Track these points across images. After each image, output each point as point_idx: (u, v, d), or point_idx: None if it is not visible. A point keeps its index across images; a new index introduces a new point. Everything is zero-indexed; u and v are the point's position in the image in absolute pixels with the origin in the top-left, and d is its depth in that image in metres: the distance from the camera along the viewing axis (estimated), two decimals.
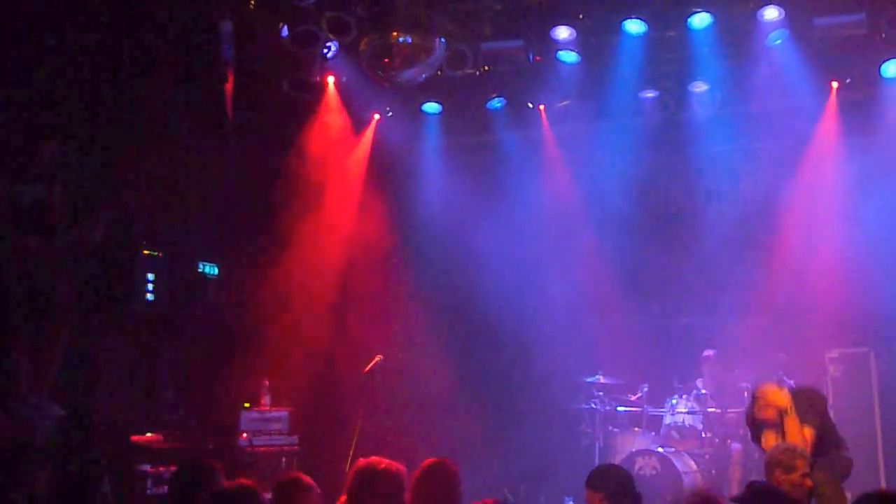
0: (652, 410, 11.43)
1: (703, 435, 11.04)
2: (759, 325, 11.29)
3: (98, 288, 9.81)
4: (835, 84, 10.78)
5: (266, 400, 10.86)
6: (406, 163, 12.36)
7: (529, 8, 10.33)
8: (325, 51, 10.34)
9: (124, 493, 8.86)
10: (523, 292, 11.77)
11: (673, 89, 11.06)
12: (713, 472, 10.88)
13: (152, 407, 10.59)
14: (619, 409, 11.57)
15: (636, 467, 10.60)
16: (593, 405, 11.46)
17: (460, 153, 12.17)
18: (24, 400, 8.03)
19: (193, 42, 10.03)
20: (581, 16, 10.32)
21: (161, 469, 9.32)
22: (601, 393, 11.49)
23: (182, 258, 10.88)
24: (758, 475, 9.67)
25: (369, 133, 12.16)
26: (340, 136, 11.96)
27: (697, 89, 10.98)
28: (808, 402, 7.66)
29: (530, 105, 11.66)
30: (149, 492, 9.07)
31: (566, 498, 10.87)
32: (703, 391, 11.21)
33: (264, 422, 10.65)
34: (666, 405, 11.35)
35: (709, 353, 11.42)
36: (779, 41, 10.05)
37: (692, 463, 10.82)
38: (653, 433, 11.32)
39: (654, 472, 10.56)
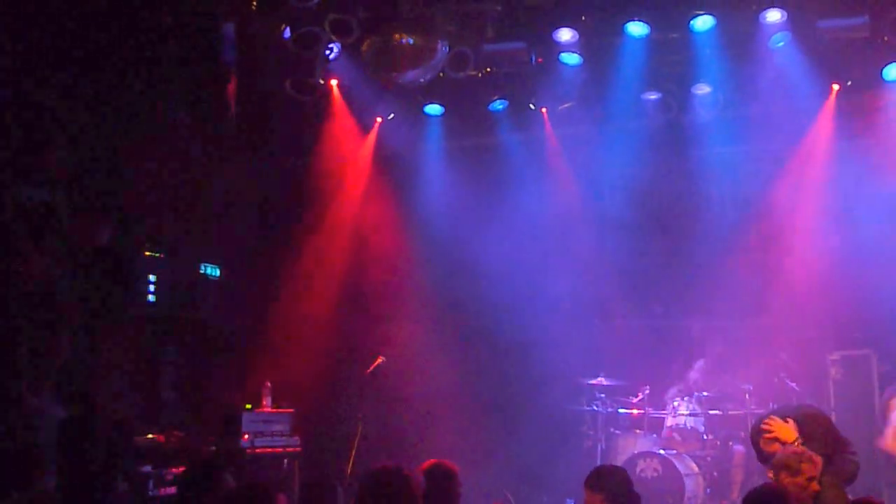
0: (653, 412, 11.43)
1: (705, 437, 11.04)
2: (760, 326, 11.28)
3: (100, 289, 9.81)
4: (835, 86, 10.78)
5: (267, 401, 10.85)
6: (408, 164, 12.36)
7: (532, 10, 10.33)
8: (328, 52, 10.34)
9: (127, 493, 8.85)
10: (525, 294, 11.76)
11: (675, 91, 11.07)
12: (715, 474, 10.88)
13: (154, 408, 10.60)
14: (621, 411, 11.57)
15: (638, 469, 10.59)
16: (595, 407, 11.46)
17: (462, 155, 12.16)
18: (27, 401, 8.03)
19: (196, 44, 10.04)
20: (583, 18, 10.32)
21: (163, 470, 9.32)
22: (603, 395, 11.49)
23: (183, 260, 10.88)
24: (760, 477, 9.70)
25: (372, 136, 12.15)
26: (343, 139, 11.96)
27: (700, 91, 10.99)
28: (813, 430, 7.63)
29: (532, 107, 11.65)
30: (151, 493, 9.06)
31: (567, 500, 10.87)
32: (705, 393, 11.21)
33: (266, 423, 10.64)
34: (667, 407, 11.34)
35: (699, 363, 11.43)
36: (781, 44, 10.05)
37: (694, 465, 10.82)
38: (654, 435, 11.31)
39: (655, 474, 10.56)
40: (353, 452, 9.21)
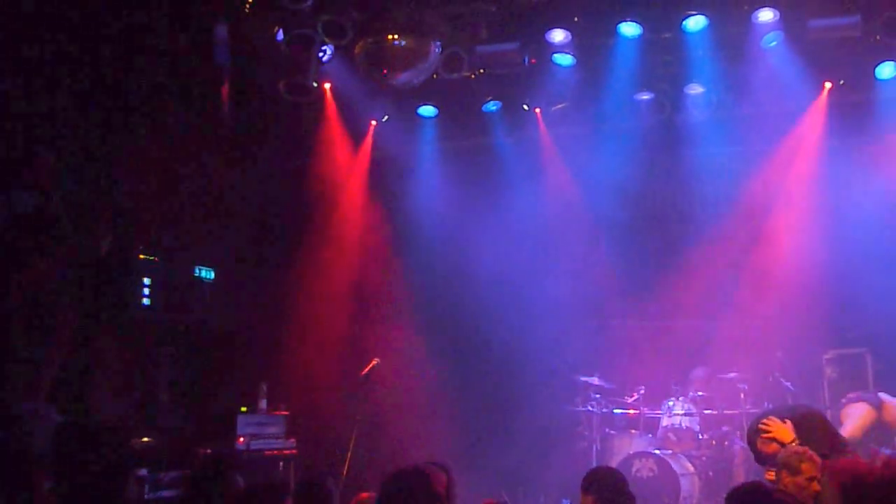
0: (649, 412, 11.44)
1: (700, 437, 11.05)
2: (755, 326, 11.29)
3: (94, 293, 9.80)
4: (828, 84, 10.80)
5: (263, 404, 10.85)
6: (402, 165, 12.36)
7: (525, 11, 10.33)
8: (321, 54, 10.35)
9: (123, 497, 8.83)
10: (520, 294, 11.77)
11: (668, 92, 11.10)
12: (710, 473, 10.88)
13: (149, 411, 10.59)
14: (616, 411, 11.58)
15: (633, 469, 10.60)
16: (590, 407, 11.46)
17: (456, 156, 12.17)
18: (23, 406, 8.01)
19: (190, 47, 10.03)
20: (576, 18, 10.34)
21: (159, 473, 9.31)
22: (598, 395, 11.49)
23: (178, 263, 10.87)
24: (757, 477, 9.71)
25: (367, 138, 12.16)
26: (337, 141, 11.97)
27: (693, 91, 11.02)
28: (810, 430, 7.63)
29: (526, 108, 11.66)
30: (147, 496, 9.05)
31: (563, 500, 10.88)
32: (700, 393, 11.22)
33: (261, 425, 10.63)
34: (663, 407, 11.35)
35: (698, 372, 11.43)
36: (774, 43, 10.07)
37: (689, 465, 10.83)
38: (650, 435, 11.32)
39: (651, 473, 10.57)
40: (349, 454, 9.20)
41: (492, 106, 11.58)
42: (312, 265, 11.83)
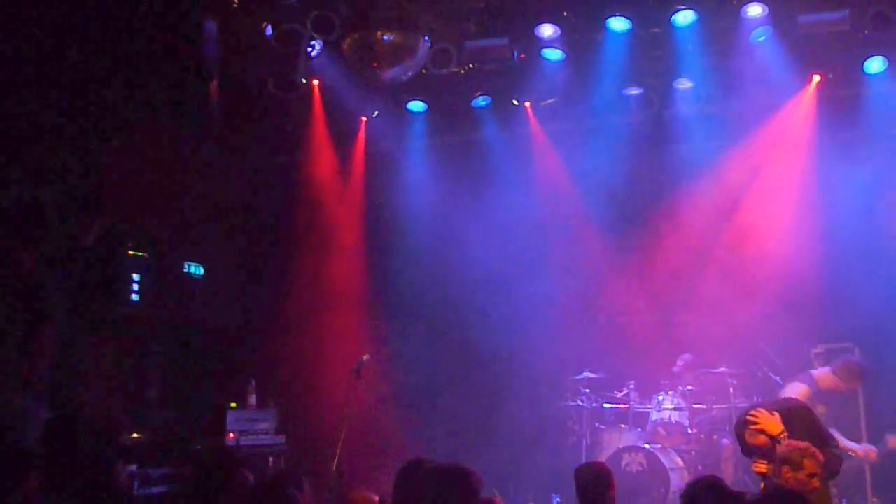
0: (638, 407, 11.46)
1: (690, 431, 11.06)
2: (744, 321, 11.31)
3: (84, 288, 9.78)
4: (816, 77, 10.81)
5: (252, 399, 10.84)
6: (391, 161, 12.36)
7: (513, 6, 10.33)
8: (310, 50, 10.33)
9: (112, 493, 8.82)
10: (510, 289, 11.78)
11: (657, 86, 11.12)
12: (700, 467, 10.90)
13: (138, 407, 10.58)
14: (606, 405, 11.59)
15: (623, 464, 10.62)
16: (580, 402, 11.48)
17: (446, 151, 12.17)
18: (11, 402, 7.99)
19: (178, 42, 10.00)
20: (565, 13, 10.33)
21: (148, 469, 9.30)
22: (588, 390, 11.50)
23: (167, 258, 10.86)
24: (746, 471, 9.75)
25: (357, 134, 12.15)
26: (326, 137, 11.96)
27: (682, 86, 11.03)
28: (797, 424, 7.66)
29: (515, 103, 11.66)
30: (136, 492, 9.04)
31: (553, 495, 10.90)
32: (690, 387, 11.23)
33: (251, 421, 10.62)
34: (652, 402, 11.37)
35: (686, 357, 11.44)
36: (763, 38, 10.09)
37: (678, 459, 10.85)
38: (639, 430, 11.34)
39: (640, 468, 10.59)
40: (339, 450, 9.19)
41: (481, 101, 11.57)
42: (301, 261, 11.83)
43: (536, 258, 11.83)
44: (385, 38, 9.83)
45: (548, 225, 11.91)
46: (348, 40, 9.96)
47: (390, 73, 10.14)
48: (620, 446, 10.96)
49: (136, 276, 10.38)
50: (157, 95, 10.18)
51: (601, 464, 7.51)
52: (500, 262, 11.66)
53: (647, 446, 10.78)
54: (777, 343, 10.92)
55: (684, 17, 10.05)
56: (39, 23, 8.96)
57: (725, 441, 10.94)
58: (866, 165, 10.70)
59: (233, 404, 10.65)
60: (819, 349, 11.11)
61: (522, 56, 10.75)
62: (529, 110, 11.69)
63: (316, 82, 11.14)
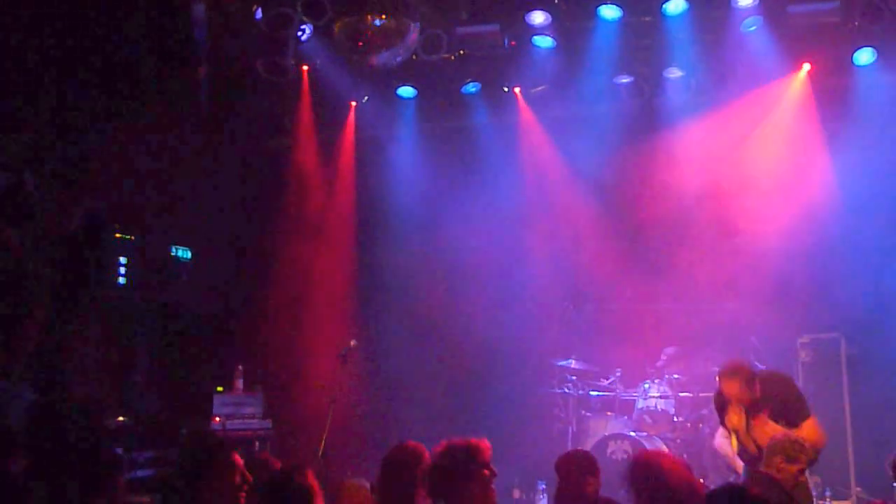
0: (624, 395, 11.48)
1: (676, 419, 11.09)
2: (730, 310, 11.33)
3: (70, 272, 9.75)
4: (806, 67, 10.82)
5: (239, 384, 10.82)
6: (381, 146, 12.34)
7: None
8: (300, 34, 10.29)
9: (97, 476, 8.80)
10: (497, 276, 11.79)
11: (648, 75, 11.11)
12: (685, 455, 10.91)
13: (125, 391, 10.55)
14: (592, 393, 11.61)
15: (608, 451, 10.65)
16: (566, 390, 11.49)
17: (435, 138, 12.15)
18: None
19: (166, 25, 9.96)
20: (556, 0, 10.32)
21: (133, 453, 9.28)
22: (574, 377, 11.52)
23: (155, 242, 10.83)
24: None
25: (346, 119, 12.12)
26: (315, 121, 11.93)
27: (672, 75, 11.03)
28: (774, 391, 7.71)
29: (506, 89, 11.65)
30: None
31: (539, 481, 10.90)
32: (676, 376, 11.26)
33: (237, 406, 10.61)
34: (638, 390, 11.39)
35: (669, 350, 11.47)
36: (753, 28, 10.09)
37: (664, 447, 10.87)
38: (625, 417, 11.36)
39: (626, 455, 10.60)
40: (325, 434, 9.18)
41: (471, 88, 11.55)
42: (289, 245, 11.80)
43: (524, 245, 11.83)
44: (376, 22, 9.79)
45: (536, 212, 11.90)
46: (339, 24, 9.93)
47: (380, 58, 10.11)
48: (606, 434, 10.98)
49: (123, 260, 10.36)
50: (145, 79, 10.13)
51: (583, 451, 7.53)
52: (488, 249, 11.67)
53: (632, 434, 10.81)
54: (763, 332, 10.94)
55: (675, 6, 10.06)
56: (24, 5, 8.91)
57: (710, 429, 10.97)
58: (854, 156, 10.71)
59: (219, 388, 10.63)
60: (805, 339, 11.16)
61: (513, 43, 10.74)
62: (519, 97, 11.67)
63: (305, 67, 11.09)
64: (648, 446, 10.57)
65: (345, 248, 12.12)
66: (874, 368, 10.67)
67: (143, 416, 10.12)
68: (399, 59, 10.20)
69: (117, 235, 10.34)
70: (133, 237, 10.49)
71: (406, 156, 12.21)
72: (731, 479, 10.01)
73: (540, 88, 11.46)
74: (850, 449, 10.64)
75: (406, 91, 11.71)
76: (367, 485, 6.27)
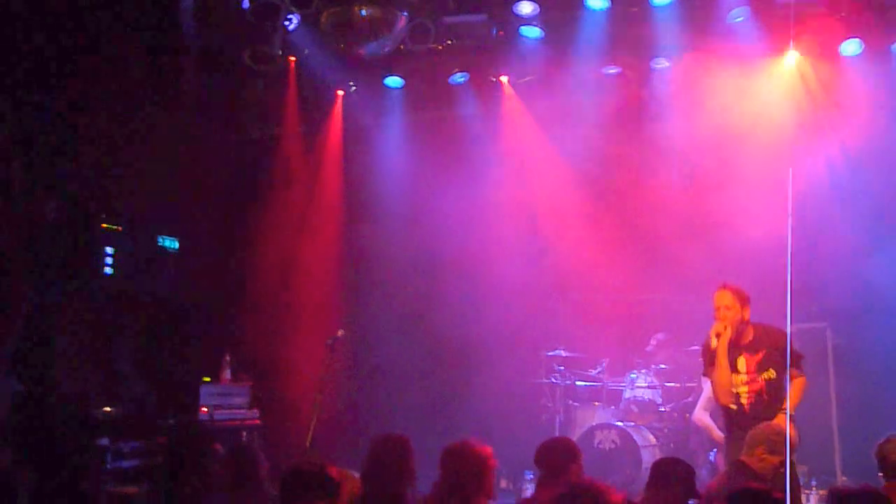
0: (612, 385, 11.52)
1: (662, 409, 11.14)
2: None
3: (56, 262, 9.73)
4: (794, 56, 10.82)
5: (226, 374, 10.81)
6: (368, 136, 12.33)
7: None
8: (287, 23, 10.26)
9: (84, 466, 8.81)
10: (485, 266, 11.79)
11: (635, 66, 11.10)
12: (672, 445, 10.98)
13: (111, 381, 10.53)
14: (579, 383, 11.65)
15: (595, 441, 10.70)
16: (553, 379, 11.52)
17: (423, 127, 12.14)
18: None
19: (154, 14, 9.93)
20: None
21: (120, 443, 9.27)
22: (561, 367, 11.55)
23: (141, 232, 10.81)
24: (718, 448, 9.81)
25: (333, 109, 12.11)
26: (304, 111, 11.91)
27: (659, 66, 11.03)
28: (774, 342, 7.81)
29: (493, 79, 11.64)
30: (108, 466, 9.02)
31: (526, 471, 10.94)
32: (663, 366, 11.30)
33: (225, 396, 10.59)
34: (625, 380, 11.44)
35: (659, 336, 11.50)
36: (740, 19, 10.10)
37: (651, 436, 10.93)
38: (612, 407, 11.40)
39: (613, 445, 10.66)
40: (313, 424, 9.19)
41: (459, 78, 11.54)
42: (276, 235, 11.79)
43: (511, 234, 11.83)
44: (363, 12, 9.78)
45: (523, 202, 11.91)
46: (326, 14, 9.92)
47: (368, 48, 10.11)
48: (593, 423, 11.03)
49: (109, 250, 10.33)
50: (131, 68, 10.10)
51: (563, 438, 7.55)
52: (476, 238, 11.67)
53: (620, 424, 10.85)
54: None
55: None
56: None
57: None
58: (838, 146, 10.74)
59: (207, 378, 10.61)
60: (791, 329, 11.17)
61: (501, 33, 10.73)
62: (507, 86, 11.67)
63: (293, 57, 11.07)
64: (636, 436, 10.63)
65: (332, 237, 12.11)
66: (860, 358, 10.72)
67: (130, 406, 10.09)
68: (386, 48, 10.20)
69: (104, 226, 10.31)
70: (120, 227, 10.46)
71: (393, 146, 12.21)
72: (712, 454, 10.11)
73: (527, 79, 11.46)
74: (835, 438, 10.71)
75: (393, 81, 11.68)
76: (356, 475, 6.28)
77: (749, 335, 7.92)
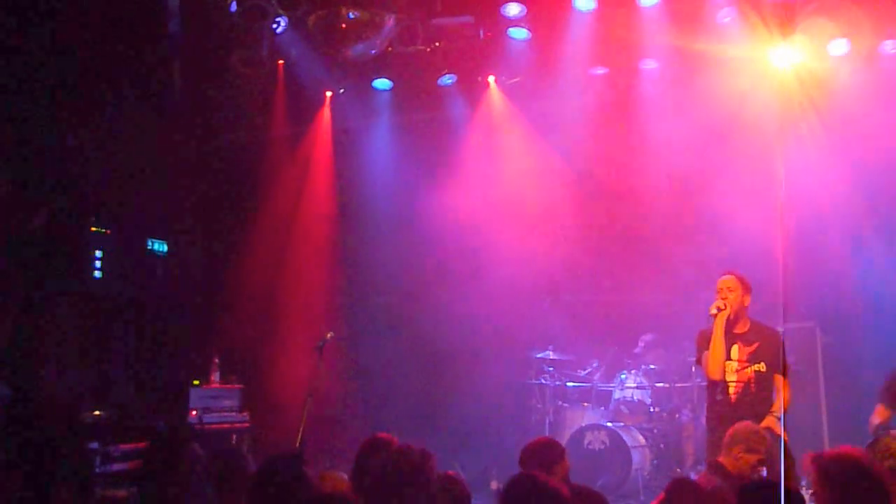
0: (601, 385, 11.54)
1: (652, 409, 11.15)
2: (707, 300, 11.35)
3: (45, 265, 9.71)
4: (781, 56, 10.83)
5: (216, 377, 10.81)
6: (356, 138, 12.33)
7: None
8: (275, 26, 10.26)
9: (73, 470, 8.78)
10: (475, 267, 11.79)
11: (623, 66, 11.12)
12: (662, 445, 11.00)
13: (101, 385, 10.52)
14: (569, 384, 11.66)
15: (585, 442, 10.71)
16: (543, 380, 11.53)
17: (411, 129, 12.14)
18: None
19: (141, 16, 9.91)
20: None
21: (110, 447, 9.25)
22: (551, 368, 11.56)
23: (131, 235, 10.79)
24: (708, 448, 9.81)
25: (321, 110, 12.11)
26: (292, 113, 11.91)
27: (647, 67, 11.05)
28: (768, 342, 7.90)
29: (481, 81, 11.66)
30: (97, 469, 8.99)
31: (516, 472, 10.92)
32: (652, 366, 11.31)
33: (214, 399, 10.59)
34: (615, 380, 11.45)
35: (647, 337, 11.52)
36: (728, 19, 10.11)
37: (640, 437, 10.93)
38: (602, 408, 11.42)
39: (602, 446, 10.67)
40: (302, 427, 9.18)
41: (447, 79, 11.54)
42: (265, 237, 11.78)
43: (500, 236, 11.83)
44: (350, 14, 9.78)
45: (512, 203, 11.90)
46: (313, 17, 9.92)
47: (355, 51, 10.11)
48: (583, 424, 11.04)
49: (98, 253, 10.32)
50: (120, 70, 10.09)
51: (546, 439, 7.56)
52: (465, 240, 11.67)
53: (609, 424, 10.86)
54: None
55: None
56: None
57: (685, 419, 11.04)
58: (829, 147, 10.75)
59: (196, 382, 10.61)
60: (780, 328, 11.20)
61: (488, 34, 10.75)
62: (495, 88, 11.69)
63: (281, 60, 11.07)
64: (625, 436, 10.63)
65: (320, 240, 12.10)
66: (850, 357, 10.74)
67: (120, 409, 10.07)
68: (374, 51, 10.20)
69: (93, 229, 10.30)
70: (109, 231, 10.45)
71: (382, 148, 12.23)
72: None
73: (515, 80, 11.48)
74: (825, 437, 10.72)
75: (382, 83, 11.70)
76: (345, 476, 6.27)
77: (746, 326, 8.08)
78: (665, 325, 11.48)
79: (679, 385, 11.17)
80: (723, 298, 8.06)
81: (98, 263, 10.30)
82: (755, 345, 7.94)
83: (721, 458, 6.98)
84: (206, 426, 10.25)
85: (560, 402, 11.55)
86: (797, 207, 10.67)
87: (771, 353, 7.87)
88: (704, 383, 9.97)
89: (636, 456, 10.56)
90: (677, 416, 11.21)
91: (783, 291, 10.73)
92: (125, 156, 10.56)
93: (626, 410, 11.22)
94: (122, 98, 10.34)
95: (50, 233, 9.82)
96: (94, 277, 10.27)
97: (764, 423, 7.54)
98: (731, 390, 7.87)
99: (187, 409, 10.32)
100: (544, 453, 6.57)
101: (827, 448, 10.45)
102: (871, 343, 10.48)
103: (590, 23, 10.44)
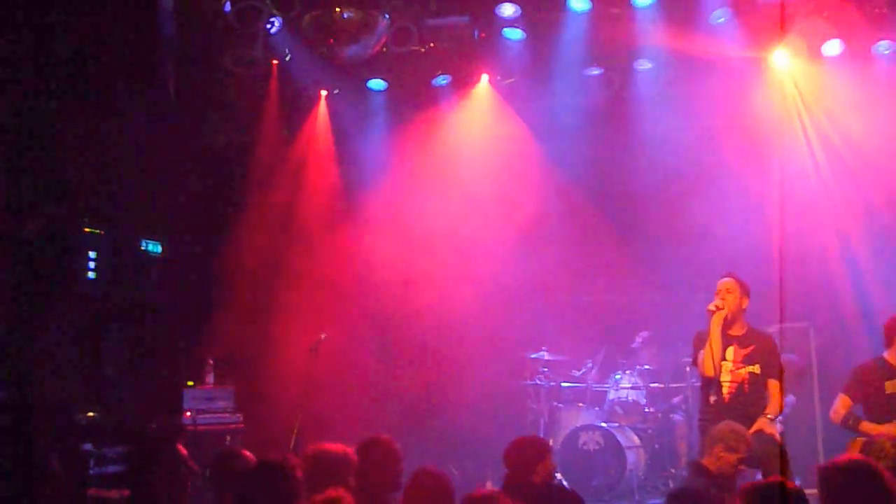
0: (596, 386, 11.54)
1: (647, 410, 11.16)
2: (701, 300, 11.36)
3: (38, 267, 9.68)
4: (776, 57, 10.84)
5: (210, 378, 10.79)
6: (351, 139, 12.32)
7: None
8: (269, 27, 10.25)
9: (66, 472, 8.77)
10: (469, 268, 11.79)
11: (617, 67, 11.12)
12: (656, 446, 11.01)
13: (94, 386, 10.49)
14: (564, 384, 11.66)
15: (580, 442, 10.71)
16: (538, 381, 11.53)
17: (406, 130, 12.13)
18: None
19: (134, 17, 9.89)
20: None
21: (104, 448, 9.23)
22: (546, 369, 11.56)
23: (125, 236, 10.76)
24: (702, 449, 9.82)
25: (315, 111, 12.10)
26: (286, 113, 11.90)
27: (642, 67, 11.05)
28: (763, 348, 7.93)
29: (476, 81, 11.66)
30: (91, 471, 8.97)
31: None
32: (647, 367, 11.32)
33: (208, 400, 10.58)
34: (610, 381, 11.45)
35: (645, 333, 11.53)
36: (722, 20, 10.13)
37: (635, 437, 10.94)
38: (597, 408, 11.42)
39: (597, 446, 10.67)
40: (297, 427, 9.19)
41: (442, 80, 11.55)
42: (259, 238, 11.76)
43: (496, 237, 11.84)
44: (345, 15, 9.78)
45: (506, 203, 11.90)
46: (308, 17, 9.92)
47: (350, 51, 10.10)
48: (578, 425, 11.04)
49: (92, 254, 10.27)
50: (113, 71, 10.06)
51: (532, 437, 7.56)
52: (459, 241, 11.66)
53: (604, 425, 10.87)
54: None
55: None
56: None
57: (679, 420, 11.06)
58: (821, 146, 10.78)
59: (190, 383, 10.60)
60: (773, 328, 11.22)
61: (483, 35, 10.75)
62: (490, 89, 11.70)
63: (275, 61, 11.06)
64: (620, 437, 10.64)
65: (314, 240, 12.08)
66: (843, 358, 10.74)
67: (114, 411, 10.05)
68: (369, 51, 10.19)
69: (86, 230, 10.26)
70: (102, 232, 10.42)
71: (376, 148, 12.21)
72: None
73: (510, 80, 11.49)
74: (819, 438, 10.73)
75: (376, 83, 11.70)
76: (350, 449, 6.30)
77: (742, 329, 8.14)
78: (659, 325, 11.49)
79: (673, 385, 11.18)
80: (721, 299, 8.04)
81: (92, 264, 10.26)
82: (750, 347, 7.98)
83: (703, 459, 7.03)
84: (201, 427, 10.22)
85: (555, 403, 11.55)
86: (791, 207, 10.69)
87: (766, 357, 7.93)
88: (699, 384, 10.02)
89: (631, 456, 10.57)
90: (672, 416, 11.22)
91: (780, 290, 10.80)
92: (119, 156, 10.53)
93: (620, 411, 11.23)
94: (115, 98, 10.30)
95: (43, 234, 9.78)
96: (88, 278, 10.23)
97: (756, 425, 7.57)
98: (725, 391, 7.91)
99: (181, 411, 10.29)
100: (528, 451, 6.59)
101: (820, 447, 10.58)
102: (864, 343, 10.49)
103: (584, 23, 10.45)
